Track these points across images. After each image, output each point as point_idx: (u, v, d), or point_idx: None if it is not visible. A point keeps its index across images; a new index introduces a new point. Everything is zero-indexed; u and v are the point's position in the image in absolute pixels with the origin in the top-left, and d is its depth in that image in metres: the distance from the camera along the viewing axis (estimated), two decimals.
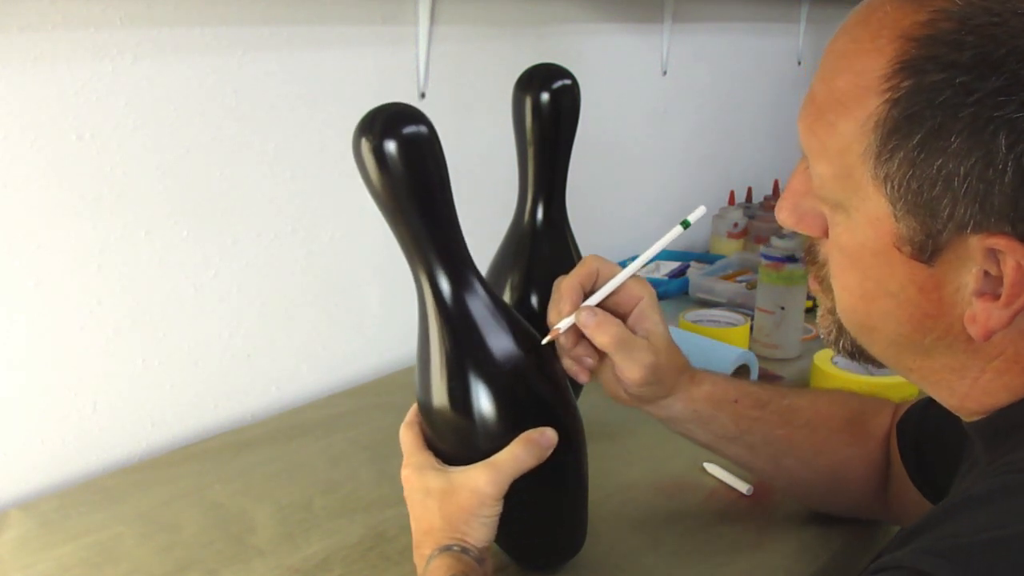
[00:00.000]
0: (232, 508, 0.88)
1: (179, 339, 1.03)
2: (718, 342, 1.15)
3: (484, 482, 0.64)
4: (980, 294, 0.48)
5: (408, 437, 0.70)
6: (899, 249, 0.50)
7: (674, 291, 1.50)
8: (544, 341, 0.69)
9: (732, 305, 1.39)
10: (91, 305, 0.95)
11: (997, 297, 0.48)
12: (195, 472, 0.95)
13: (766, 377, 1.18)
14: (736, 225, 1.73)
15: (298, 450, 1.00)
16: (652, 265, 1.63)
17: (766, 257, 1.25)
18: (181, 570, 0.79)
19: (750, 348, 1.22)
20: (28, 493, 0.93)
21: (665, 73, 1.73)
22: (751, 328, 1.26)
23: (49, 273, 0.91)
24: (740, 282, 1.48)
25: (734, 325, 1.23)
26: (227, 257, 1.06)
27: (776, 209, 0.58)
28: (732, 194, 1.86)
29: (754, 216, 1.78)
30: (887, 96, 0.47)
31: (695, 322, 1.23)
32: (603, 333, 0.68)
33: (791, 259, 1.20)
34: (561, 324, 0.69)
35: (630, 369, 0.70)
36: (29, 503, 0.90)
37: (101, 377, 0.98)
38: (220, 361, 1.08)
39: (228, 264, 1.06)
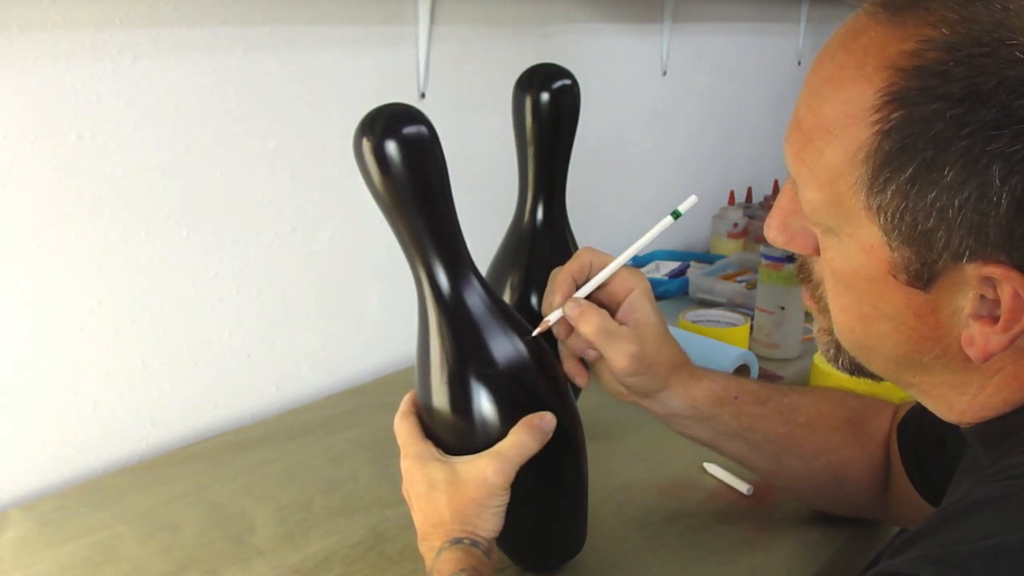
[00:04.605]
0: (232, 508, 0.88)
1: (179, 339, 1.03)
2: (718, 342, 1.15)
3: (492, 471, 0.64)
4: (977, 317, 0.48)
5: (405, 427, 0.70)
6: (894, 276, 0.49)
7: (674, 291, 1.50)
8: (534, 333, 0.70)
9: (732, 305, 1.39)
10: (91, 305, 0.95)
11: (994, 319, 0.47)
12: (195, 472, 0.95)
13: (766, 377, 1.18)
14: (736, 225, 1.73)
15: (298, 450, 1.00)
16: (652, 265, 1.63)
17: (766, 257, 1.25)
18: (181, 570, 0.79)
19: (750, 348, 1.22)
20: (28, 493, 0.93)
21: (665, 73, 1.73)
22: (751, 328, 1.26)
23: (49, 273, 0.91)
24: (740, 282, 1.48)
25: (734, 325, 1.23)
26: (227, 257, 1.06)
27: (765, 228, 0.58)
28: (732, 194, 1.86)
29: (754, 216, 1.78)
30: (877, 127, 0.47)
31: (695, 322, 1.23)
32: (586, 323, 0.70)
33: (791, 259, 1.20)
34: (551, 316, 0.71)
35: (614, 358, 0.71)
36: (29, 503, 0.90)
37: (101, 377, 0.98)
38: (220, 361, 1.08)
39: (228, 264, 1.06)
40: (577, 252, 0.74)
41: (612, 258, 0.73)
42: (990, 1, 0.45)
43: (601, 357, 0.72)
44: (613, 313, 0.72)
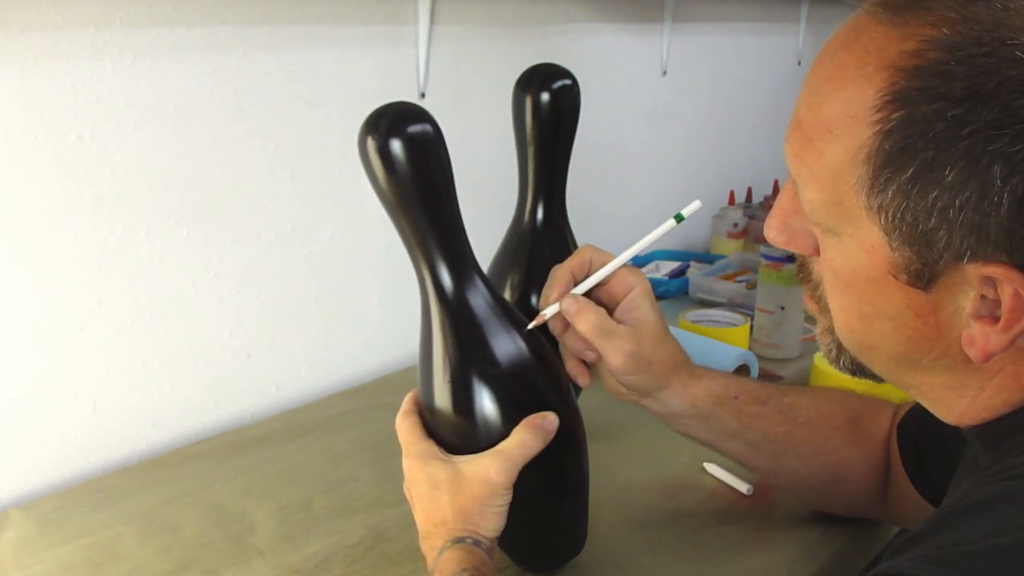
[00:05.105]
0: (232, 508, 0.88)
1: (179, 339, 1.03)
2: (718, 342, 1.15)
3: (495, 471, 0.64)
4: (977, 317, 0.48)
5: (407, 426, 0.70)
6: (895, 276, 0.49)
7: (674, 291, 1.50)
8: (529, 326, 0.70)
9: (732, 305, 1.39)
10: (91, 305, 0.95)
11: (995, 319, 0.47)
12: (195, 472, 0.95)
13: (766, 377, 1.18)
14: (736, 225, 1.73)
15: (298, 450, 1.00)
16: (652, 265, 1.63)
17: (766, 257, 1.25)
18: (181, 570, 0.79)
19: (750, 348, 1.22)
20: (28, 493, 0.93)
21: (665, 73, 1.73)
22: (751, 328, 1.26)
23: (49, 273, 0.91)
24: (740, 282, 1.48)
25: (734, 325, 1.23)
26: (227, 257, 1.06)
27: (765, 227, 0.58)
28: (732, 194, 1.86)
29: (754, 216, 1.78)
30: (878, 127, 0.46)
31: (695, 322, 1.23)
32: (583, 321, 0.70)
33: (791, 259, 1.20)
34: (547, 311, 0.71)
35: (611, 356, 0.71)
36: (29, 503, 0.90)
37: (101, 377, 0.98)
38: (220, 361, 1.08)
39: (228, 264, 1.06)
40: (578, 249, 0.74)
41: (613, 256, 0.73)
42: (991, 0, 0.45)
43: (600, 357, 0.72)
44: (612, 312, 0.72)
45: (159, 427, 1.04)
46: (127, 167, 0.95)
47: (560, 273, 0.73)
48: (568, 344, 0.73)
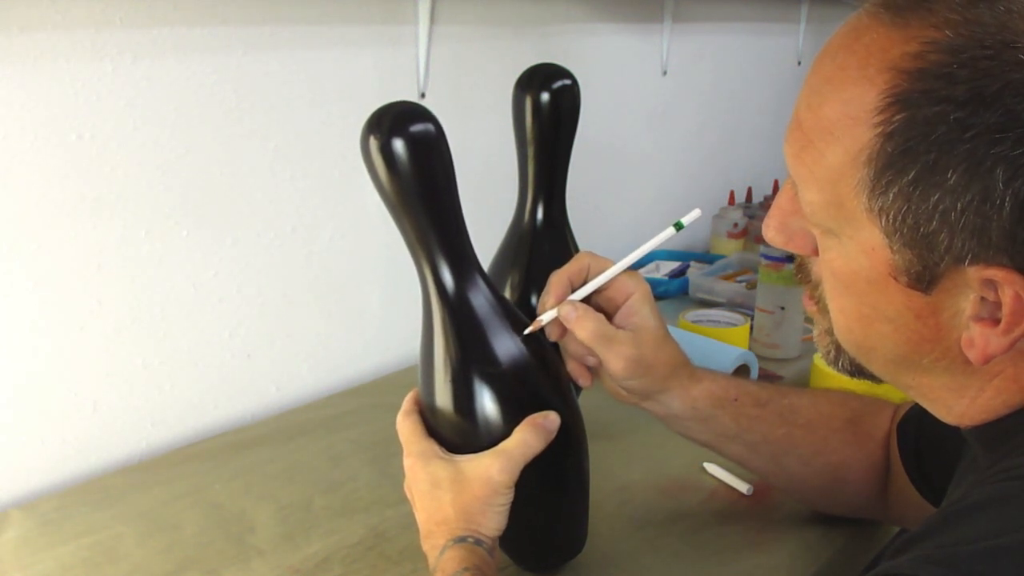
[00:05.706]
0: (232, 508, 0.88)
1: (179, 339, 1.04)
2: (718, 342, 1.15)
3: (496, 470, 0.64)
4: (978, 319, 0.48)
5: (408, 425, 0.70)
6: (895, 278, 0.49)
7: (674, 291, 1.50)
8: (526, 332, 0.70)
9: (732, 305, 1.39)
10: (91, 305, 0.95)
11: (995, 322, 0.47)
12: (195, 472, 0.95)
13: (766, 377, 1.18)
14: (736, 225, 1.73)
15: (298, 450, 1.00)
16: (652, 265, 1.63)
17: (766, 257, 1.25)
18: (181, 570, 0.79)
19: (750, 348, 1.22)
20: (28, 493, 0.93)
21: (665, 73, 1.73)
22: (751, 328, 1.26)
23: (49, 273, 0.91)
24: (740, 282, 1.48)
25: (734, 325, 1.23)
26: (227, 257, 1.06)
27: (764, 227, 0.58)
28: (732, 194, 1.86)
29: (754, 216, 1.78)
30: (879, 130, 0.46)
31: (695, 322, 1.23)
32: (582, 328, 0.70)
33: (791, 259, 1.20)
34: (544, 316, 0.71)
35: (611, 362, 0.71)
36: (29, 503, 0.90)
37: (101, 377, 0.98)
38: (220, 361, 1.08)
39: (228, 264, 1.06)
40: (576, 255, 0.74)
41: (611, 263, 0.72)
42: (994, 3, 0.45)
43: (601, 362, 0.72)
44: (611, 317, 0.72)
45: (159, 427, 1.04)
46: (127, 167, 0.95)
47: (557, 279, 0.72)
48: (569, 349, 0.73)
